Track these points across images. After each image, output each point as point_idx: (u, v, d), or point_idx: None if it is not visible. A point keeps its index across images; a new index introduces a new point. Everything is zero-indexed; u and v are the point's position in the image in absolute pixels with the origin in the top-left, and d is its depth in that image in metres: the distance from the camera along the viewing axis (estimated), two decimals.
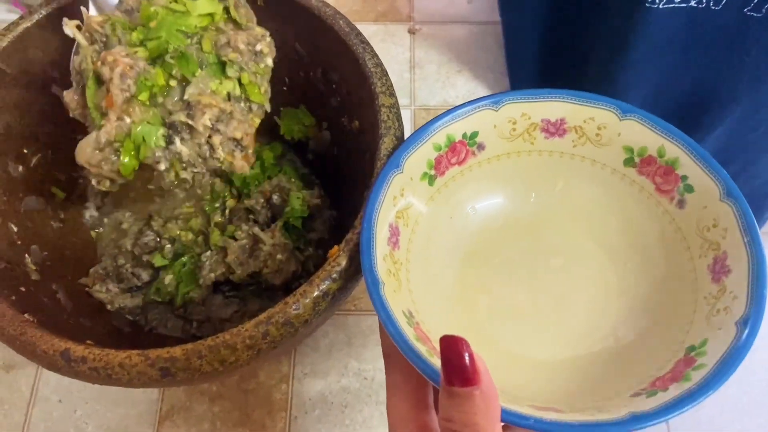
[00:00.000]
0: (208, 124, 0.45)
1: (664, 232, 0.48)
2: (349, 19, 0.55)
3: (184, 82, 0.46)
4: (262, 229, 0.61)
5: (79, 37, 0.45)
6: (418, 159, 0.47)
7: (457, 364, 0.33)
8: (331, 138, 0.65)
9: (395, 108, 0.50)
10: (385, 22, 0.91)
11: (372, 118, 0.50)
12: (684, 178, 0.46)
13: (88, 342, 0.47)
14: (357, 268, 0.43)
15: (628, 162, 0.49)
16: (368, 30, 0.90)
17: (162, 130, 0.45)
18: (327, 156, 0.66)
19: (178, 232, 0.64)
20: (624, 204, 0.50)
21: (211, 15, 0.48)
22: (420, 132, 0.47)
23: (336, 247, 0.44)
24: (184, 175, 0.46)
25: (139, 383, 0.40)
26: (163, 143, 0.45)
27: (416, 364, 0.37)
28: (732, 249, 0.43)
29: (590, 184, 0.51)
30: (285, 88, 0.65)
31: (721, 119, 0.70)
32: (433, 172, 0.49)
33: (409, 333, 0.39)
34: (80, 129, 0.62)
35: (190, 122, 0.45)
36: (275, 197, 0.63)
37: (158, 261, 0.62)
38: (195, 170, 0.46)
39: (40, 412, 0.64)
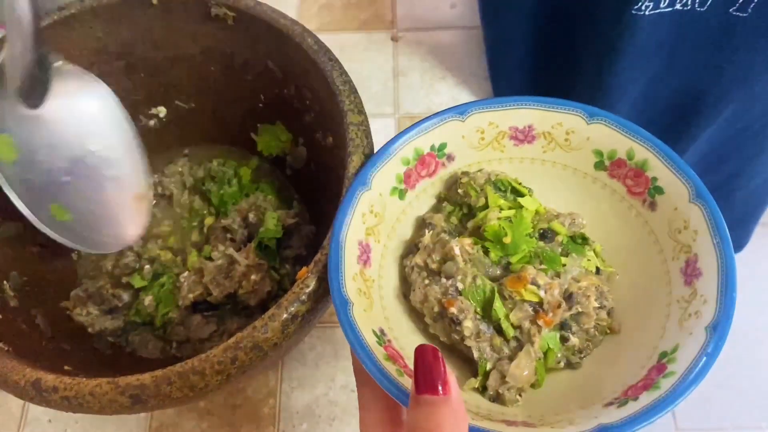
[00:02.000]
0: (596, 304, 0.45)
1: (638, 235, 0.48)
2: (318, 36, 0.55)
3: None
4: (239, 249, 0.61)
5: (460, 260, 0.45)
6: (386, 174, 0.47)
7: (429, 372, 0.33)
8: (307, 154, 0.65)
9: (364, 125, 0.50)
10: (367, 30, 0.91)
11: (342, 135, 0.50)
12: (654, 179, 0.46)
13: (66, 367, 0.47)
14: (326, 290, 0.43)
15: (599, 165, 0.49)
16: (351, 39, 0.90)
17: (558, 333, 0.45)
18: (304, 171, 0.66)
19: (157, 252, 0.64)
20: (597, 207, 0.50)
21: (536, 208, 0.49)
22: (386, 147, 0.47)
23: (305, 269, 0.44)
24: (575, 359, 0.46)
25: (111, 410, 0.40)
26: (561, 343, 0.45)
27: (384, 385, 0.37)
28: (702, 251, 0.43)
29: (562, 189, 0.51)
30: (261, 105, 0.65)
31: (712, 118, 0.70)
32: (402, 186, 0.49)
33: (378, 353, 0.39)
34: None
35: (581, 309, 0.45)
36: (251, 216, 0.63)
37: (137, 282, 0.62)
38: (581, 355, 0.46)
39: None
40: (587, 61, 0.69)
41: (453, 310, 0.44)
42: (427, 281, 0.46)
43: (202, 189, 0.68)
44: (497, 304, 0.44)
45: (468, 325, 0.44)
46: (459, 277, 0.45)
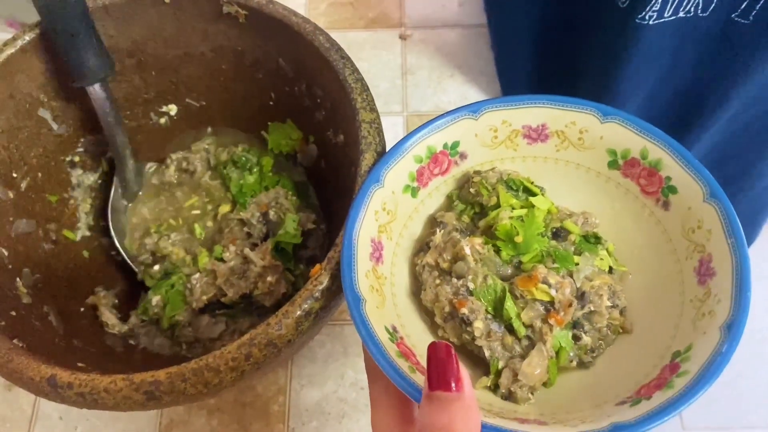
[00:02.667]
0: (608, 303, 0.45)
1: (651, 234, 0.48)
2: (329, 34, 0.55)
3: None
4: (255, 245, 0.61)
5: (470, 260, 0.45)
6: (398, 172, 0.47)
7: (442, 368, 0.34)
8: (318, 152, 0.65)
9: (376, 123, 0.50)
10: (375, 28, 0.91)
11: (354, 132, 0.50)
12: (668, 179, 0.46)
13: (80, 364, 0.47)
14: (340, 287, 0.43)
15: (612, 165, 0.49)
16: (359, 37, 0.90)
17: (571, 331, 0.45)
18: (315, 169, 0.66)
19: (170, 249, 0.64)
20: (610, 207, 0.50)
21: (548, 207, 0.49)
22: (399, 145, 0.47)
23: (318, 266, 0.44)
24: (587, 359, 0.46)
25: (125, 407, 0.40)
26: (573, 341, 0.45)
27: (396, 381, 0.37)
28: (716, 251, 0.42)
29: (576, 188, 0.51)
30: (271, 103, 0.65)
31: (713, 119, 0.70)
32: (415, 185, 0.49)
33: (390, 350, 0.40)
34: (69, 149, 0.63)
35: (594, 308, 0.45)
36: (272, 213, 0.63)
37: (148, 281, 0.62)
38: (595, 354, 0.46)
39: (41, 430, 0.65)
40: (592, 67, 0.69)
41: (464, 310, 0.44)
42: (438, 281, 0.46)
43: (224, 173, 0.68)
44: (508, 304, 0.44)
45: (479, 325, 0.44)
46: (470, 277, 0.45)
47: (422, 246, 0.49)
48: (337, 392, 0.66)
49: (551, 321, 0.44)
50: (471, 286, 0.45)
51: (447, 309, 0.45)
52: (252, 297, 0.60)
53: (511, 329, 0.44)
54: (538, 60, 0.78)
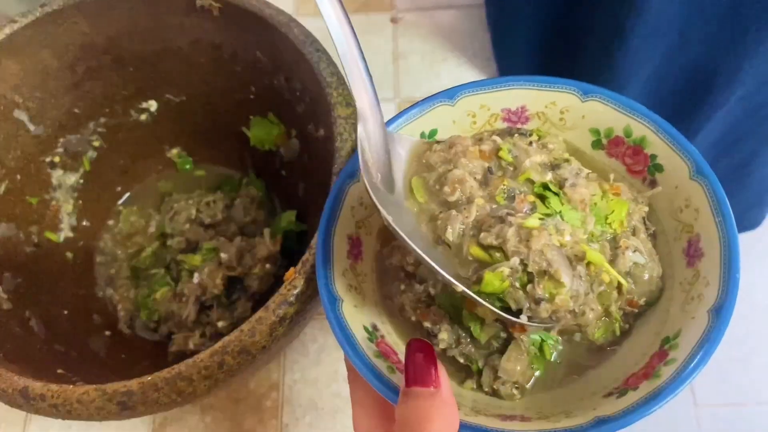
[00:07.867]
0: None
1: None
2: (304, 26, 0.53)
3: None
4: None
5: None
6: None
7: (419, 365, 0.34)
8: (300, 146, 0.64)
9: (352, 118, 0.49)
10: (366, 12, 0.89)
11: (332, 127, 0.49)
12: (653, 157, 0.45)
13: (59, 371, 0.47)
14: (315, 290, 0.42)
15: (596, 144, 0.47)
16: None
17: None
18: (298, 163, 0.65)
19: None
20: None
21: None
22: None
23: (292, 269, 0.43)
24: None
25: (100, 417, 0.40)
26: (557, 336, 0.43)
27: (373, 383, 0.37)
28: (704, 230, 0.41)
29: None
30: (252, 97, 0.64)
31: (725, 98, 0.69)
32: None
33: (368, 350, 0.39)
34: (48, 150, 0.62)
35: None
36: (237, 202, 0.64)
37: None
38: None
39: (36, 429, 0.65)
40: (596, 40, 0.67)
41: (427, 324, 0.42)
42: (403, 286, 0.44)
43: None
44: (465, 314, 0.42)
45: (444, 336, 0.42)
46: (431, 282, 0.43)
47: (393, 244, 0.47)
48: (331, 387, 0.65)
49: (515, 334, 0.42)
50: (432, 291, 0.43)
51: (413, 318, 0.43)
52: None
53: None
54: (539, 39, 0.76)
